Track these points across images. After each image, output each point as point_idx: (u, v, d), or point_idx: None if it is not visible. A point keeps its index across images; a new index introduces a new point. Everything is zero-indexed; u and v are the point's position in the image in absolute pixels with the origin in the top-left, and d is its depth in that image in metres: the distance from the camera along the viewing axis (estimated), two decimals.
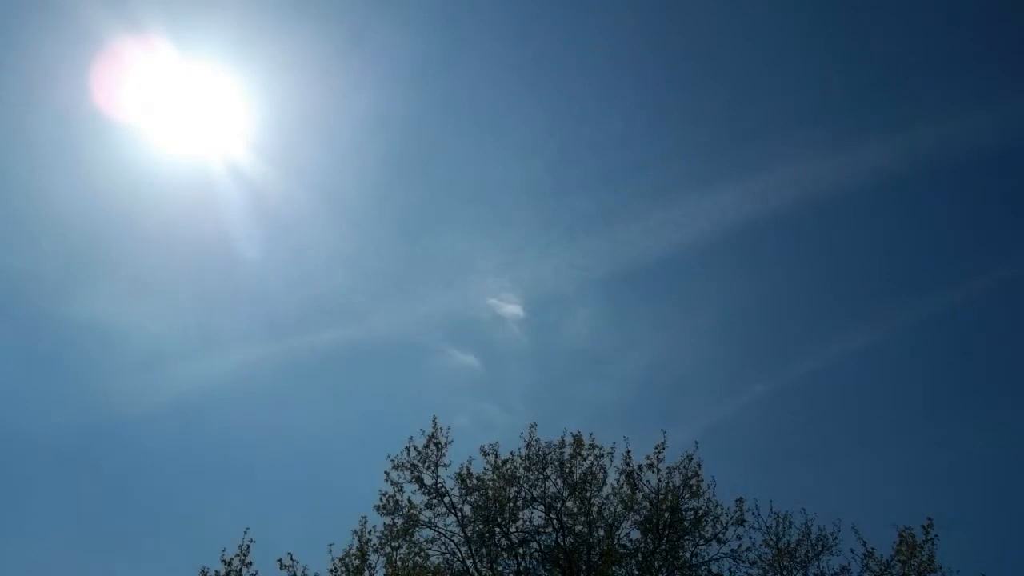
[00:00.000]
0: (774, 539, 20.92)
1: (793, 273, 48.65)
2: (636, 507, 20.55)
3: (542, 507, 20.58)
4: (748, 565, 20.67)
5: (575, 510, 20.68)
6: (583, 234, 46.37)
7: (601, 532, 20.48)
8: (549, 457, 20.73)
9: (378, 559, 19.17)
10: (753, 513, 21.09)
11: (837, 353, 42.06)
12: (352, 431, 42.56)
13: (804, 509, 21.16)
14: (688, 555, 20.47)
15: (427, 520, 20.12)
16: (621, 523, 20.59)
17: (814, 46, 46.78)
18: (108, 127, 38.37)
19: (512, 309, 43.01)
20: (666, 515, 20.23)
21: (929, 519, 20.13)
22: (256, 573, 18.15)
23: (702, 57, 48.16)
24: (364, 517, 19.61)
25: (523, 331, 44.35)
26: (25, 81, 38.69)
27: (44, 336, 40.68)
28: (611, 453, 20.88)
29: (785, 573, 20.61)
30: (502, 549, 20.30)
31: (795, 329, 46.55)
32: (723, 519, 20.43)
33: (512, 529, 20.42)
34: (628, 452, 20.93)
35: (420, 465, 20.25)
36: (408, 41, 43.31)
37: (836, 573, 20.71)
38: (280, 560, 18.33)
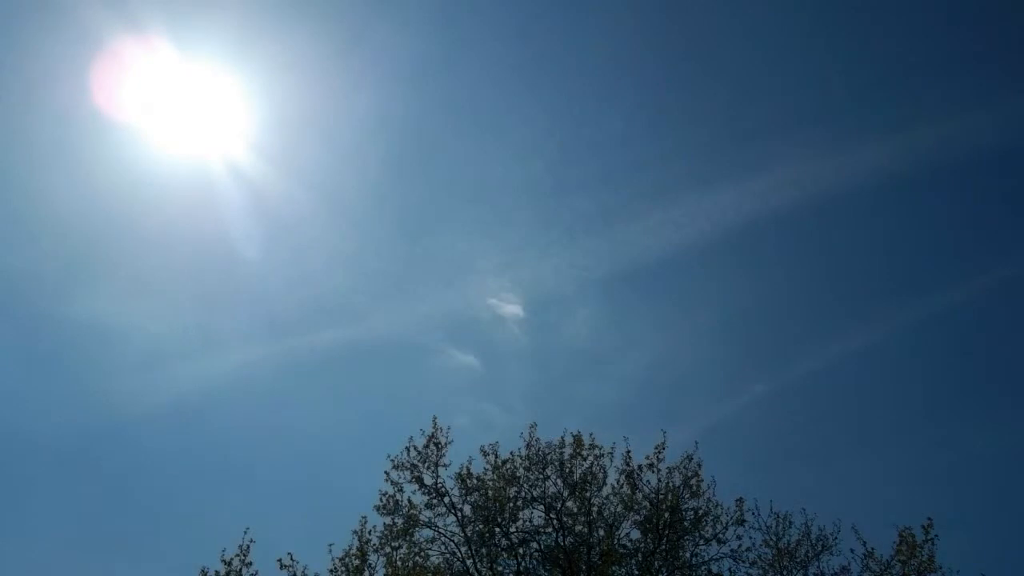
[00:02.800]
0: (774, 539, 20.92)
1: (793, 273, 48.66)
2: (636, 507, 20.54)
3: (542, 507, 20.58)
4: (748, 565, 20.70)
5: (575, 510, 20.68)
6: (583, 234, 46.39)
7: (601, 532, 20.47)
8: (549, 457, 20.72)
9: (378, 559, 19.19)
10: (753, 513, 21.08)
11: (837, 353, 42.06)
12: (352, 431, 42.57)
13: (804, 509, 21.19)
14: (688, 555, 20.48)
15: (427, 520, 20.12)
16: (621, 523, 20.60)
17: (814, 46, 46.83)
18: (108, 127, 38.37)
19: (512, 309, 43.03)
20: (666, 515, 20.21)
21: (929, 519, 20.13)
22: (256, 573, 18.18)
23: (702, 57, 48.17)
24: (364, 517, 19.64)
25: (523, 331, 44.35)
26: (25, 81, 38.71)
27: (44, 336, 40.67)
28: (611, 453, 20.89)
29: (785, 573, 20.62)
30: (502, 549, 20.29)
31: (795, 329, 46.56)
32: (723, 519, 20.44)
33: (512, 529, 20.42)
34: (628, 452, 20.93)
35: (420, 465, 20.24)
36: (408, 41, 43.34)
37: (836, 573, 20.74)
38: (280, 560, 18.34)
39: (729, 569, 20.49)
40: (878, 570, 20.51)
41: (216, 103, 38.70)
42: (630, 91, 48.83)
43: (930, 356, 44.83)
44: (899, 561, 20.38)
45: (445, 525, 20.20)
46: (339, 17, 42.50)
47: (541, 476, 20.60)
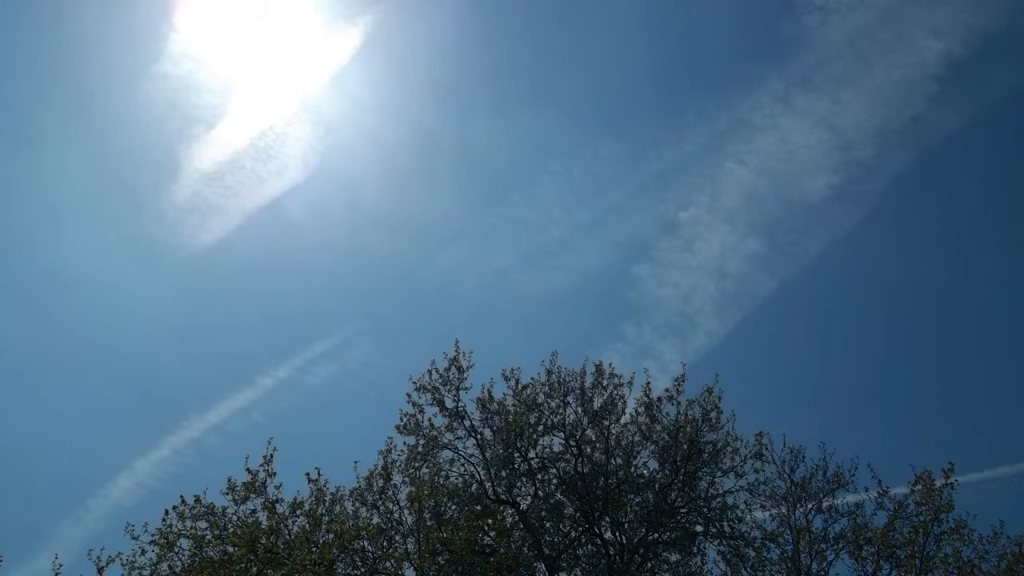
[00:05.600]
0: (787, 472, 21.03)
1: None
2: (654, 438, 20.56)
3: (562, 434, 20.65)
4: (764, 499, 20.80)
5: (593, 438, 20.77)
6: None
7: (619, 461, 20.55)
8: (570, 385, 20.71)
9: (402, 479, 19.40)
10: (767, 448, 21.10)
11: None
12: None
13: (822, 444, 21.24)
14: (705, 486, 20.57)
15: (447, 442, 20.24)
16: (639, 453, 20.68)
17: None
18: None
19: None
20: (684, 447, 20.19)
21: (950, 463, 19.99)
22: (280, 485, 18.47)
23: None
24: (390, 438, 19.96)
25: None
26: None
27: None
28: (631, 383, 20.83)
29: (799, 506, 20.70)
30: (521, 474, 20.42)
31: None
32: (742, 452, 20.46)
33: (531, 455, 20.51)
34: (648, 384, 20.81)
35: (441, 388, 20.25)
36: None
37: (850, 510, 20.76)
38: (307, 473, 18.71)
39: (745, 502, 20.62)
40: (893, 508, 20.55)
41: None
42: None
43: None
44: (914, 501, 20.38)
45: (464, 448, 20.35)
46: None
47: (562, 403, 20.62)
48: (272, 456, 18.17)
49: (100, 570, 16.65)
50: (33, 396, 42.15)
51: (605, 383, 20.77)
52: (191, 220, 43.19)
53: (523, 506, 20.07)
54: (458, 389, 20.27)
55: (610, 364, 20.89)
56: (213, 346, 45.46)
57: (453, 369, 20.24)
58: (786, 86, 43.14)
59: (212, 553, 17.25)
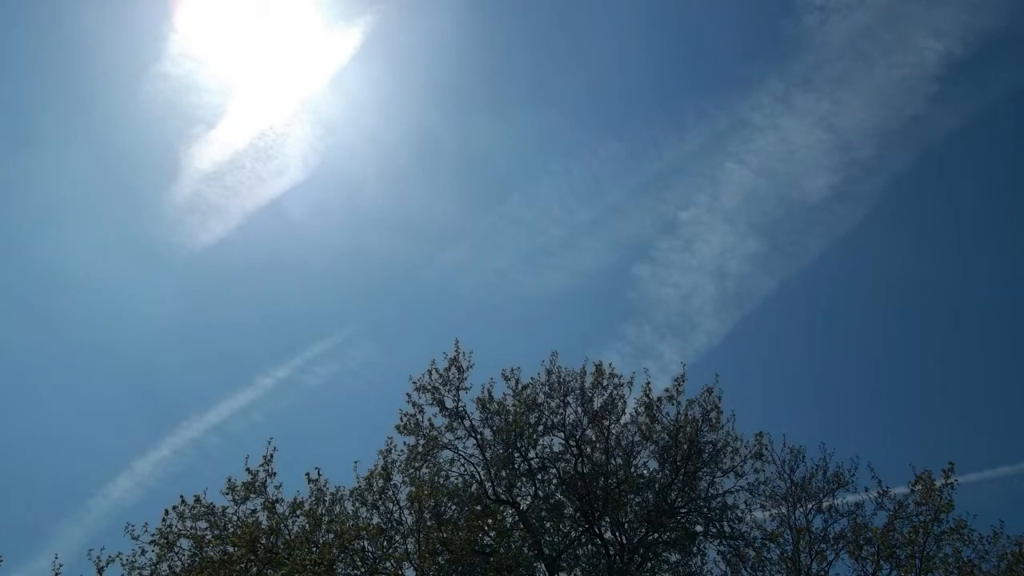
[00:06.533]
0: (788, 472, 21.03)
1: None
2: (654, 438, 20.57)
3: (562, 434, 20.65)
4: (764, 499, 20.81)
5: (593, 438, 20.77)
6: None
7: (619, 461, 20.55)
8: (570, 385, 20.71)
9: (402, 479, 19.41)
10: (767, 448, 21.10)
11: None
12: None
13: (822, 444, 21.24)
14: (705, 486, 20.56)
15: (447, 442, 20.24)
16: (639, 453, 20.68)
17: None
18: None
19: None
20: (684, 447, 20.19)
21: (950, 463, 19.96)
22: (280, 485, 18.46)
23: None
24: (390, 438, 19.95)
25: None
26: None
27: None
28: (631, 383, 20.83)
29: (799, 506, 20.71)
30: (521, 474, 20.43)
31: None
32: (742, 452, 20.45)
33: (531, 455, 20.51)
34: (648, 384, 20.81)
35: (441, 388, 20.25)
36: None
37: (851, 510, 20.77)
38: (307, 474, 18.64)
39: (745, 502, 20.63)
40: (893, 508, 20.54)
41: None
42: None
43: None
44: (914, 501, 20.37)
45: (464, 448, 20.36)
46: None
47: (562, 403, 20.62)
48: (272, 456, 18.20)
49: (100, 570, 16.64)
50: (33, 396, 42.16)
51: (605, 383, 20.77)
52: (191, 220, 43.18)
53: (523, 506, 20.07)
54: (458, 389, 20.28)
55: (610, 364, 20.94)
56: (213, 346, 45.48)
57: (453, 369, 20.25)
58: (786, 86, 43.15)
59: (212, 553, 17.24)
